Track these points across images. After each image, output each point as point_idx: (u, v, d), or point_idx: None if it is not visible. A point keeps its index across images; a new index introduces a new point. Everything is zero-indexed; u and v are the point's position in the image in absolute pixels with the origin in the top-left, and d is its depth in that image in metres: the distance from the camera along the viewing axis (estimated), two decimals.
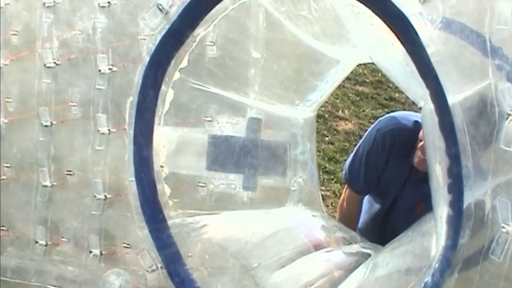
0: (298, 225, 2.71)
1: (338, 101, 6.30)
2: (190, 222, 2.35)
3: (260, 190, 2.54)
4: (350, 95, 6.50)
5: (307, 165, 2.91)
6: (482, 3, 1.85)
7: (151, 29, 2.02)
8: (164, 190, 2.14)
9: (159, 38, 1.99)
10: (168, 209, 2.13)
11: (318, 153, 5.09)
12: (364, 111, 6.30)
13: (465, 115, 1.83)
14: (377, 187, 2.94)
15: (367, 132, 2.97)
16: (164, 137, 2.28)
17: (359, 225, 3.08)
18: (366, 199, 3.09)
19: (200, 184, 2.50)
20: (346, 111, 6.22)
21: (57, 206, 2.22)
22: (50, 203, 2.22)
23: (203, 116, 2.48)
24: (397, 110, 5.63)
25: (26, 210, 2.24)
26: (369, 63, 4.06)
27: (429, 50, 1.84)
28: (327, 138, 5.73)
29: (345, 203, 3.13)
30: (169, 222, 2.09)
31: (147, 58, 2.00)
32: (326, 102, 5.81)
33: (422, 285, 1.95)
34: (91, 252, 2.18)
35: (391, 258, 2.38)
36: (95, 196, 2.15)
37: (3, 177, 2.25)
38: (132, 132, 2.02)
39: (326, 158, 5.39)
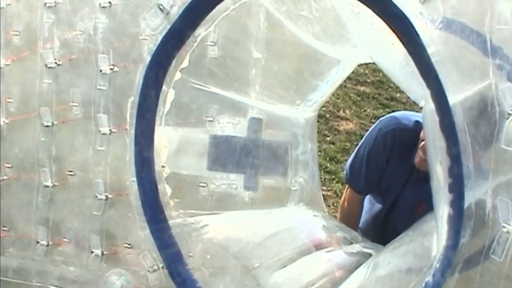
0: (299, 225, 2.71)
1: (339, 101, 6.30)
2: (191, 222, 2.35)
3: (261, 190, 2.53)
4: (351, 95, 6.50)
5: (308, 165, 2.91)
6: (483, 3, 1.85)
7: (152, 29, 2.02)
8: (165, 190, 2.14)
9: (160, 38, 1.99)
10: (169, 209, 2.13)
11: (319, 153, 5.10)
12: (365, 111, 6.30)
13: (466, 115, 1.83)
14: (378, 187, 2.94)
15: (368, 132, 2.97)
16: (165, 137, 2.28)
17: (360, 224, 3.09)
18: (367, 198, 3.09)
19: (201, 184, 2.50)
20: (347, 111, 6.22)
21: (59, 206, 2.22)
22: (52, 204, 2.22)
23: (204, 116, 2.48)
24: (398, 110, 5.63)
25: (27, 210, 2.24)
26: (370, 63, 4.06)
27: (430, 50, 1.84)
28: (328, 138, 5.73)
29: (346, 203, 3.13)
30: (170, 222, 2.09)
31: (148, 58, 2.00)
32: (327, 102, 5.81)
33: (423, 284, 1.95)
34: (92, 252, 2.18)
35: (392, 258, 2.38)
36: (96, 197, 2.15)
37: (4, 177, 2.26)
38: (133, 132, 2.03)
39: (328, 158, 5.39)
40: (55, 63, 2.18)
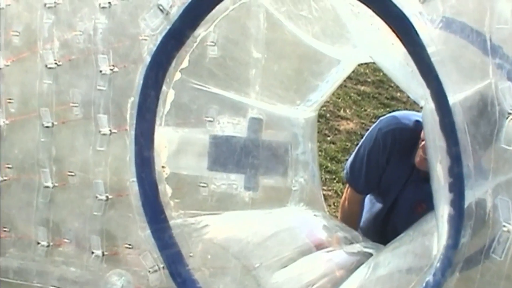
0: (300, 225, 2.71)
1: (339, 100, 6.30)
2: (191, 222, 2.35)
3: (261, 190, 2.53)
4: (352, 94, 6.49)
5: (308, 165, 2.91)
6: (482, 2, 1.85)
7: (151, 30, 2.02)
8: (165, 190, 2.14)
9: (159, 38, 1.99)
10: (170, 210, 2.13)
11: (320, 153, 5.10)
12: (365, 110, 6.30)
13: (466, 114, 1.83)
14: (378, 186, 2.94)
15: (368, 131, 2.97)
16: (165, 137, 2.28)
17: (361, 224, 3.09)
18: (368, 198, 3.09)
19: (201, 184, 2.50)
20: (347, 111, 6.21)
21: (59, 207, 2.22)
22: (52, 204, 2.22)
23: (204, 117, 2.48)
24: (399, 110, 5.64)
25: (27, 211, 2.24)
26: (370, 63, 4.06)
27: (430, 50, 1.84)
28: (328, 138, 5.73)
29: (346, 202, 3.13)
30: (171, 223, 2.09)
31: (148, 59, 2.00)
32: (328, 101, 5.81)
33: (424, 284, 1.95)
34: (92, 252, 2.18)
35: (392, 258, 2.38)
36: (96, 197, 2.15)
37: (4, 178, 2.26)
38: (133, 132, 2.03)
39: (328, 158, 5.39)
40: (55, 63, 2.18)
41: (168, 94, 2.12)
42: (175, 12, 1.98)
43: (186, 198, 2.45)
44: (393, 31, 1.87)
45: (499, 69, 1.79)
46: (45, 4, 2.17)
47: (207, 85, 2.45)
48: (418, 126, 2.70)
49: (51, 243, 2.24)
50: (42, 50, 2.19)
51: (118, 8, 2.10)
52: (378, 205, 3.00)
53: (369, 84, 6.78)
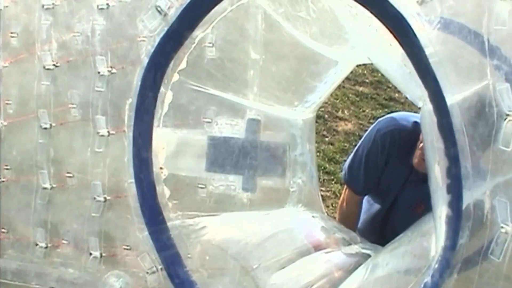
0: (298, 226, 2.70)
1: (337, 101, 6.30)
2: (189, 223, 2.35)
3: (259, 191, 2.54)
4: (350, 95, 6.49)
5: (307, 166, 2.91)
6: (480, 3, 1.85)
7: (149, 31, 2.02)
8: (163, 191, 2.14)
9: (157, 40, 1.99)
10: (168, 211, 2.13)
11: (318, 154, 5.10)
12: (363, 111, 6.30)
13: (464, 115, 1.83)
14: (376, 187, 2.94)
15: (367, 132, 2.97)
16: (163, 138, 2.28)
17: (359, 225, 3.09)
18: (366, 199, 3.09)
19: (199, 185, 2.51)
20: (345, 112, 6.22)
21: (57, 208, 2.22)
22: (50, 205, 2.22)
23: (202, 118, 2.48)
24: (397, 110, 5.63)
25: (26, 212, 2.24)
26: (368, 64, 4.06)
27: (427, 51, 1.84)
28: (327, 139, 5.73)
29: (344, 203, 3.13)
30: (169, 224, 2.09)
31: (146, 60, 2.00)
32: (326, 102, 5.81)
33: (422, 285, 1.95)
34: (91, 254, 2.18)
35: (390, 259, 2.38)
36: (94, 198, 2.15)
37: (3, 179, 2.26)
38: (131, 134, 2.03)
39: (326, 159, 5.39)
40: (53, 65, 2.18)
41: (166, 95, 2.12)
42: (173, 13, 1.98)
43: (184, 199, 2.45)
44: (391, 32, 1.87)
45: (497, 70, 1.79)
46: (43, 6, 2.17)
47: (205, 86, 2.46)
48: (416, 127, 2.69)
49: (49, 245, 2.24)
50: (40, 52, 2.19)
51: (116, 9, 2.10)
52: (376, 206, 3.00)
53: (367, 85, 6.79)
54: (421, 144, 2.60)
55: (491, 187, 1.82)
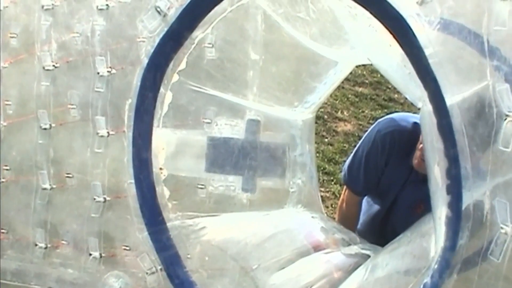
0: (298, 226, 2.70)
1: (337, 102, 6.30)
2: (189, 224, 2.35)
3: (259, 191, 2.54)
4: (349, 96, 6.50)
5: (306, 166, 2.91)
6: (480, 4, 1.85)
7: (149, 32, 2.02)
8: (163, 192, 2.14)
9: (157, 40, 1.99)
10: (168, 211, 2.13)
11: (317, 154, 5.10)
12: (363, 112, 6.30)
13: (464, 116, 1.83)
14: (376, 188, 2.94)
15: (366, 133, 2.97)
16: (163, 139, 2.28)
17: (358, 226, 3.09)
18: (365, 200, 3.09)
19: (199, 186, 2.51)
20: (345, 112, 6.22)
21: (57, 208, 2.22)
22: (50, 206, 2.22)
23: (202, 118, 2.48)
24: (396, 111, 5.63)
25: (25, 212, 2.24)
26: (368, 64, 4.06)
27: (427, 52, 1.84)
28: (326, 139, 5.73)
29: (344, 204, 3.13)
30: (169, 224, 2.09)
31: (145, 61, 2.00)
32: (325, 103, 5.81)
33: (421, 286, 1.94)
34: (90, 254, 2.18)
35: (390, 259, 2.38)
36: (94, 199, 2.15)
37: (2, 180, 2.25)
38: (131, 134, 2.02)
39: (326, 159, 5.39)
40: (53, 65, 2.18)
41: (166, 96, 2.12)
42: (173, 13, 1.98)
43: (184, 199, 2.45)
44: (391, 32, 1.87)
45: (497, 71, 1.79)
46: (42, 6, 2.17)
47: (205, 87, 2.46)
48: (416, 128, 2.70)
49: (49, 245, 2.24)
50: (39, 52, 2.19)
51: (116, 10, 2.10)
52: (376, 207, 3.00)
53: (367, 85, 6.79)
54: (421, 145, 2.60)
55: (490, 187, 1.82)
